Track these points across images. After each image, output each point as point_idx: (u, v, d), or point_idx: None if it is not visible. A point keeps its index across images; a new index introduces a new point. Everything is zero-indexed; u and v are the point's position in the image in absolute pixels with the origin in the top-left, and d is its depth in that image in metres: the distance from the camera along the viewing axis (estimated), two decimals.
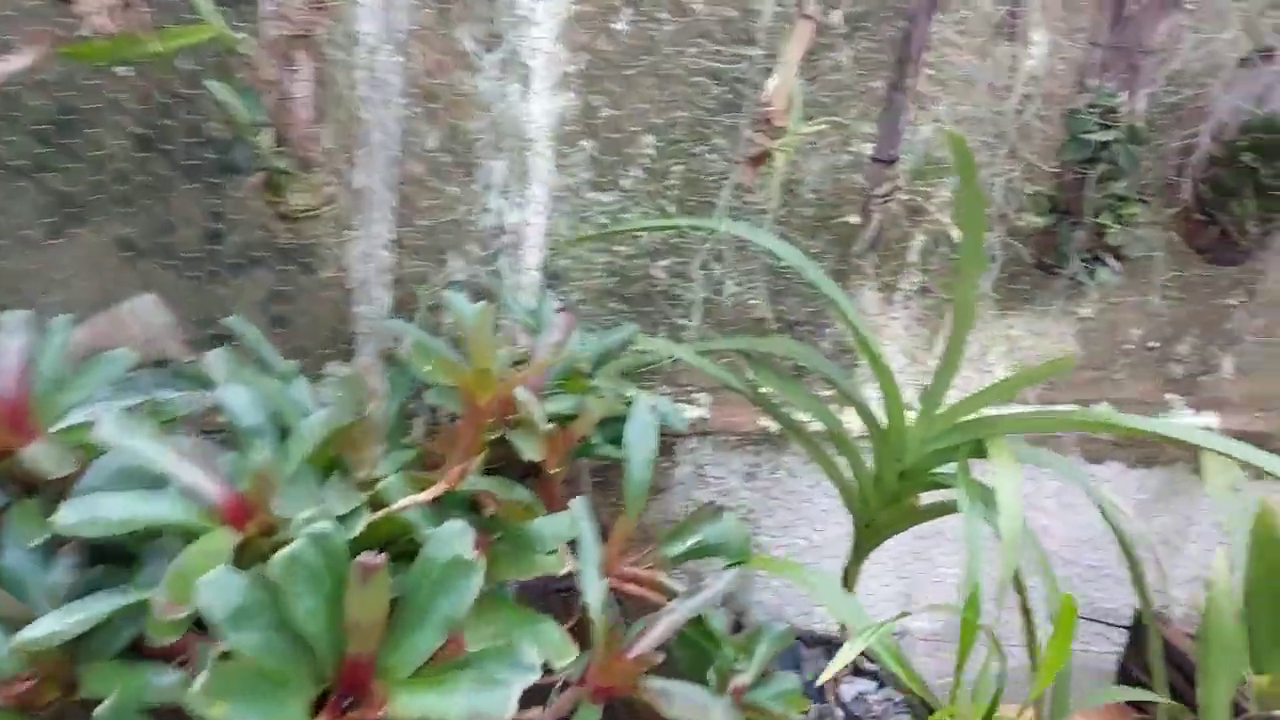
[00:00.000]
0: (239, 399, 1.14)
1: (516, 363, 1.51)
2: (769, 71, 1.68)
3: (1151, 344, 2.15)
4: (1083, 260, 1.67)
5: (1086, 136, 1.58)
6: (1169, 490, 2.30)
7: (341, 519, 1.02)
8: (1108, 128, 1.58)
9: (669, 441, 1.98)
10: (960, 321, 1.38)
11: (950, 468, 1.49)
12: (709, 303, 1.88)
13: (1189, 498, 2.31)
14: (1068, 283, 1.94)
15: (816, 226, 1.89)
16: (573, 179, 1.76)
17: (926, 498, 1.56)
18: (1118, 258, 1.68)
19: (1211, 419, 2.23)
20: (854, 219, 1.89)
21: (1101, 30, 1.57)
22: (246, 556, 1.06)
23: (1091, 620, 2.33)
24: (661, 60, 1.71)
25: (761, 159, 1.53)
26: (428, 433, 1.45)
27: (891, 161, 1.60)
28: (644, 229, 1.71)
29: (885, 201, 1.61)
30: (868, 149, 1.84)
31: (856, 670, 1.82)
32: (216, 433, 1.69)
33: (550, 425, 1.29)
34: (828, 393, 1.98)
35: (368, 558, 0.96)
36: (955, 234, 1.86)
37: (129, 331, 1.53)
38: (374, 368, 1.16)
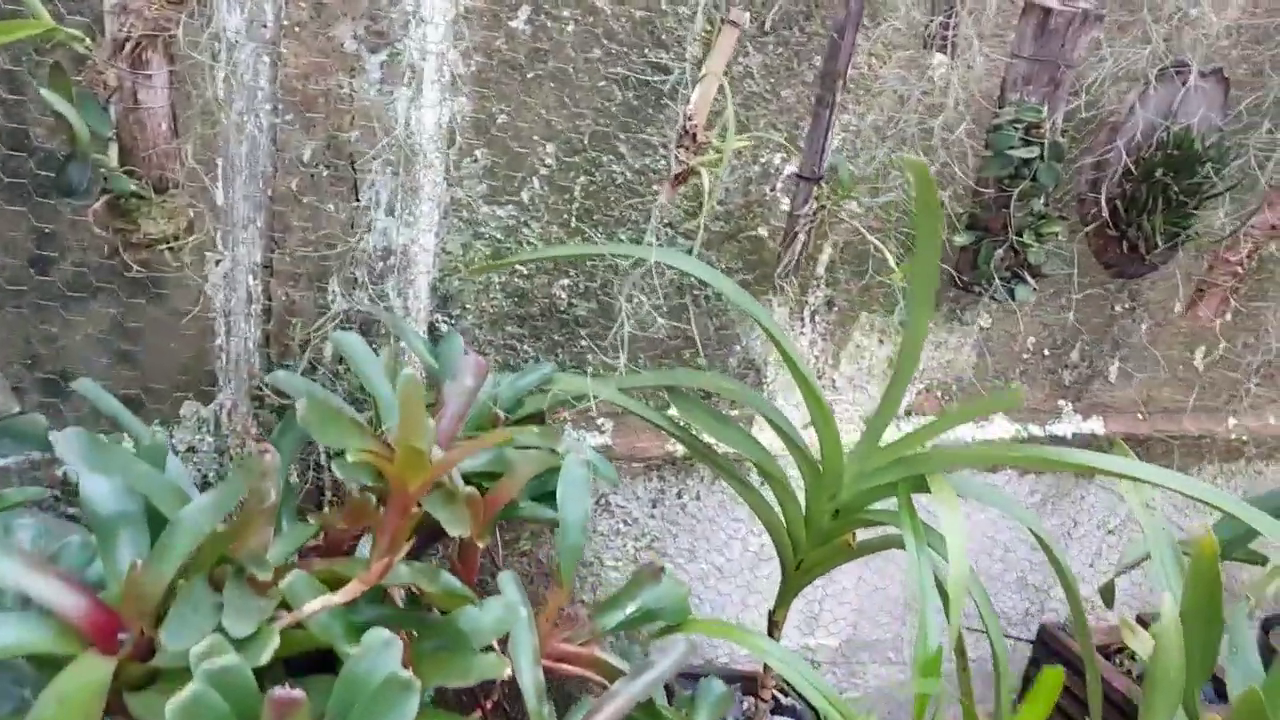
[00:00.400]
0: (100, 489, 0.93)
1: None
2: (678, 77, 1.55)
3: (1045, 352, 2.15)
4: (1001, 278, 1.62)
5: (1010, 153, 1.53)
6: (1056, 493, 2.32)
7: (243, 643, 0.84)
8: (1030, 143, 1.53)
9: None
10: (909, 352, 1.30)
11: (886, 503, 1.41)
12: (603, 320, 1.75)
13: (1072, 499, 2.34)
14: (970, 295, 1.90)
15: (725, 239, 1.78)
16: (466, 192, 1.58)
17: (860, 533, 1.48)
18: (1035, 275, 1.64)
19: (1098, 424, 2.25)
20: (763, 232, 1.79)
21: (1025, 42, 1.51)
22: (124, 684, 0.87)
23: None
24: (564, 63, 1.56)
25: (685, 177, 1.40)
26: (319, 496, 1.26)
27: (818, 179, 1.50)
28: (561, 256, 1.56)
29: (811, 221, 1.51)
30: (777, 160, 1.73)
31: (777, 707, 1.74)
32: (63, 494, 1.45)
33: (469, 489, 1.13)
34: (734, 412, 1.88)
35: (282, 694, 0.79)
36: (870, 248, 1.79)
37: None
38: (271, 455, 0.96)
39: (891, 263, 1.53)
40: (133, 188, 1.18)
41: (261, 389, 1.51)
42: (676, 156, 1.38)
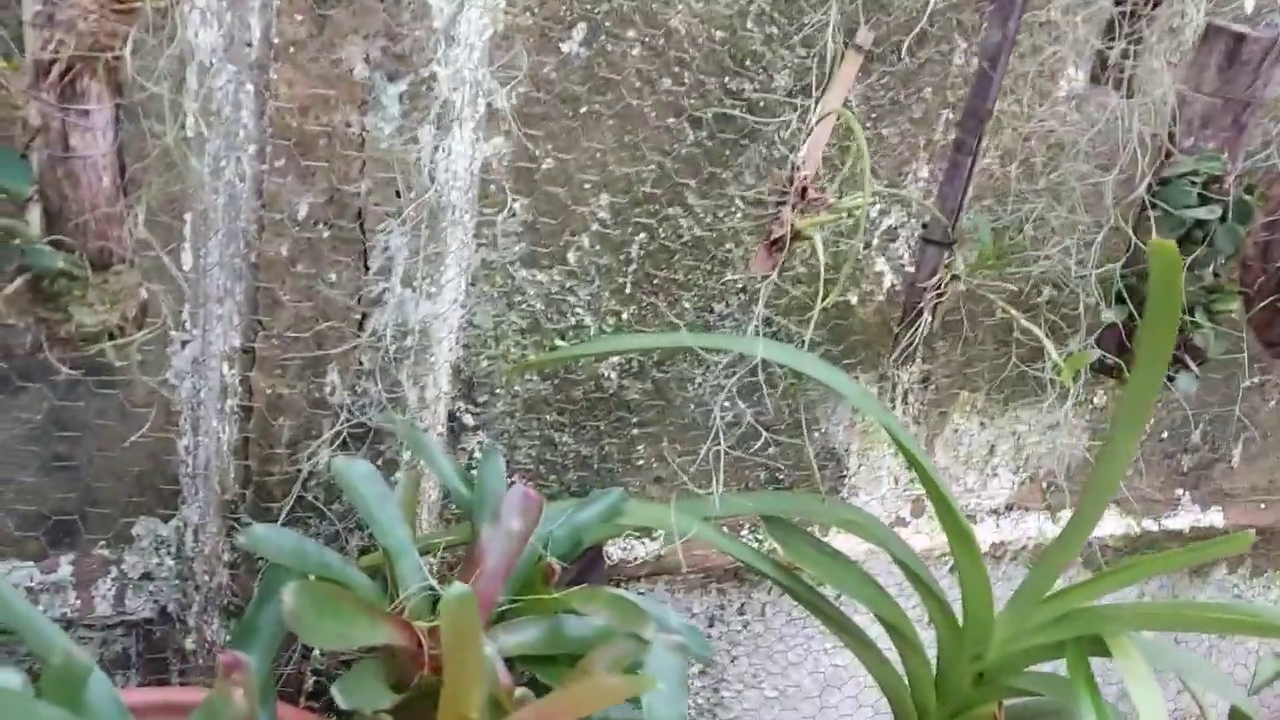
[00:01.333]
0: None
1: (448, 546, 1.01)
2: (767, 113, 1.24)
3: (1164, 434, 1.84)
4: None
5: (1185, 212, 1.22)
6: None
7: None
8: (1209, 201, 1.22)
9: (613, 583, 1.51)
10: (1104, 482, 0.99)
11: (1045, 667, 1.09)
12: (658, 404, 1.43)
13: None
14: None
15: (806, 305, 1.46)
16: (501, 254, 1.26)
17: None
18: (1199, 361, 1.33)
19: (1217, 516, 1.95)
20: (853, 298, 1.48)
21: (1206, 76, 1.20)
22: None
23: None
24: (627, 96, 1.24)
25: (785, 243, 1.08)
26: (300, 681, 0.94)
27: (950, 243, 1.18)
28: (635, 350, 1.24)
29: (939, 295, 1.19)
30: (874, 212, 1.42)
31: None
32: None
33: (521, 691, 0.80)
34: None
35: None
36: (971, 312, 1.47)
37: None
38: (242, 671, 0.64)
39: (1053, 355, 1.22)
40: (61, 264, 0.86)
41: (236, 506, 1.18)
42: (778, 217, 1.07)
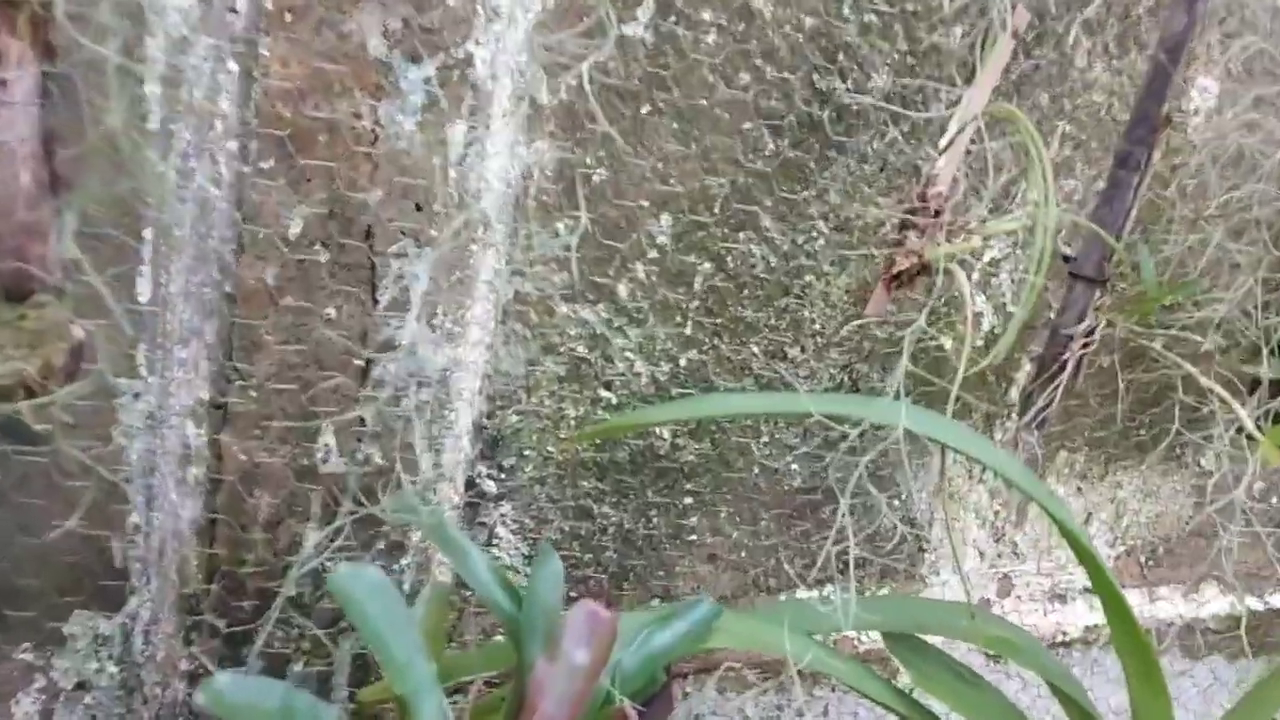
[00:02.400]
0: None
1: (488, 683, 0.76)
2: (858, 109, 1.01)
3: (1275, 499, 1.62)
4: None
5: None
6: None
7: None
8: None
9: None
10: None
11: None
12: (718, 469, 1.19)
13: None
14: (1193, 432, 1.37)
15: (891, 352, 1.23)
16: (537, 284, 1.02)
17: None
18: None
19: None
20: (947, 343, 1.25)
21: None
22: None
23: None
24: (697, 93, 1.00)
25: (912, 275, 0.85)
26: None
27: (1105, 280, 0.95)
28: (741, 414, 1.00)
29: (1086, 344, 0.96)
30: (975, 240, 1.19)
31: None
32: None
33: None
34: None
35: None
36: (1082, 364, 1.24)
37: None
38: None
39: (1247, 423, 0.98)
40: None
41: (198, 602, 0.92)
42: (904, 242, 0.83)
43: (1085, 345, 0.98)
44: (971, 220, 0.81)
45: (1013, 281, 1.23)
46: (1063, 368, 0.99)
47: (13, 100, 0.61)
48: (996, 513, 1.41)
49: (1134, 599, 1.55)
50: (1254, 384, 1.07)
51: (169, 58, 0.80)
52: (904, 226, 0.83)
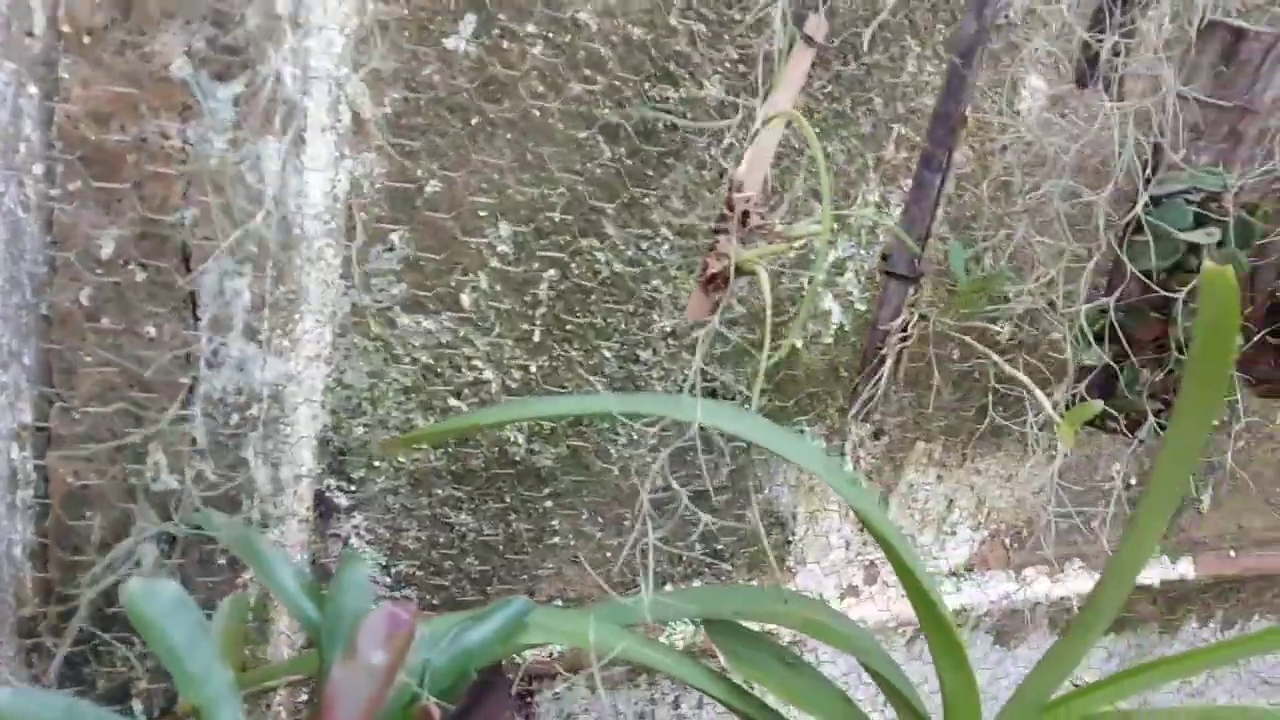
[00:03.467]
0: None
1: (292, 683, 0.77)
2: (692, 116, 1.04)
3: (1133, 480, 1.68)
4: (1154, 411, 1.13)
5: (1181, 236, 1.05)
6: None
7: None
8: (1207, 221, 1.05)
9: (522, 690, 1.28)
10: (1124, 571, 0.80)
11: None
12: (577, 473, 1.21)
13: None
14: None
15: (745, 352, 1.26)
16: (377, 296, 1.03)
17: None
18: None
19: (1187, 566, 1.79)
20: (797, 341, 1.28)
21: (1201, 79, 1.04)
22: None
23: None
24: (525, 102, 1.02)
25: (725, 279, 0.88)
26: None
27: (917, 277, 0.99)
28: (545, 417, 1.02)
29: (904, 339, 1.00)
30: (818, 242, 1.23)
31: None
32: None
33: None
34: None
35: None
36: (930, 358, 1.29)
37: None
38: None
39: (1048, 409, 1.03)
40: None
41: (36, 624, 0.92)
42: (715, 248, 0.86)
43: (903, 340, 1.02)
44: (777, 223, 0.85)
45: (858, 280, 1.27)
46: (882, 361, 1.03)
47: None
48: None
49: (1002, 580, 1.61)
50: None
51: None
52: (716, 230, 0.86)
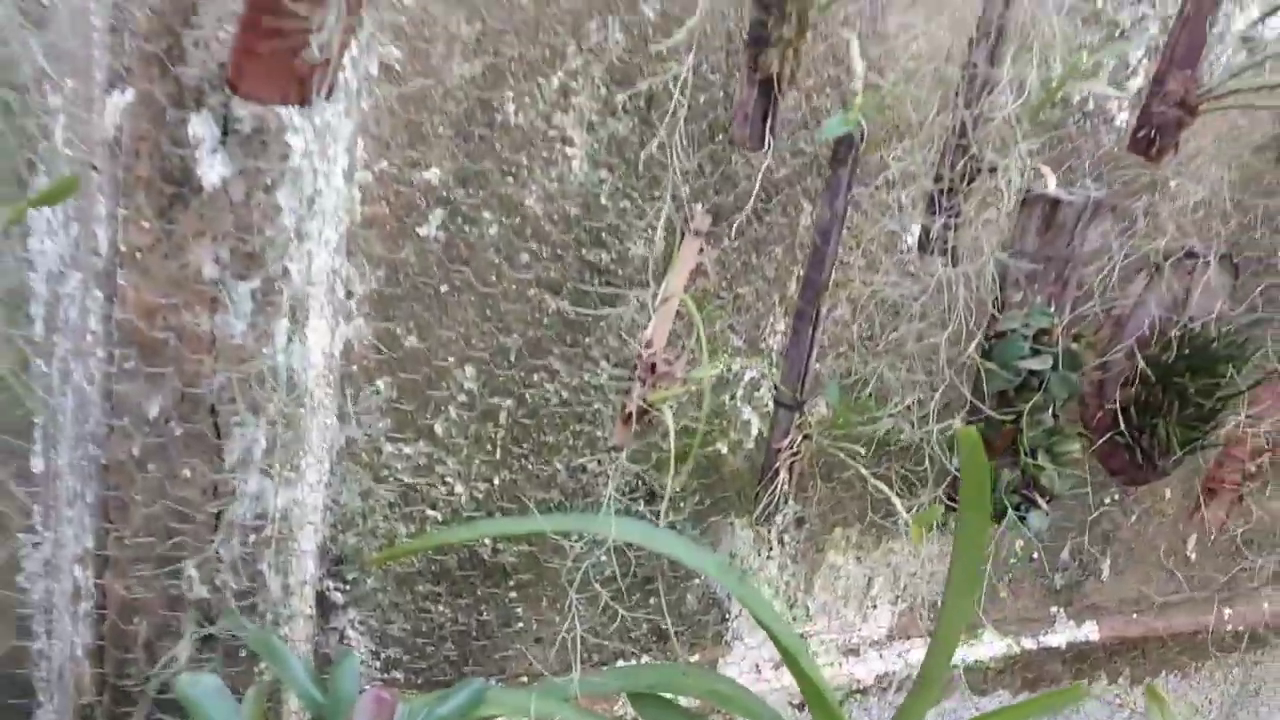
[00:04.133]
0: None
1: None
2: (624, 274, 1.29)
3: (1034, 555, 1.91)
4: (1012, 505, 1.37)
5: (1020, 364, 1.29)
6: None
7: None
8: (1041, 352, 1.30)
9: None
10: (943, 648, 1.02)
11: None
12: (534, 568, 1.43)
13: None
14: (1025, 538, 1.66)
15: (678, 458, 1.49)
16: (365, 430, 1.27)
17: None
18: (1049, 499, 1.39)
19: (1092, 629, 2.01)
20: (722, 447, 1.52)
21: (1028, 238, 1.30)
22: None
23: None
24: (485, 271, 1.27)
25: (639, 415, 1.12)
26: None
27: (799, 405, 1.23)
28: (500, 533, 1.26)
29: (793, 455, 1.24)
30: (736, 364, 1.47)
31: None
32: None
33: None
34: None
35: None
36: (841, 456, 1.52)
37: None
38: None
39: (902, 514, 1.26)
40: None
41: (93, 711, 1.14)
42: (632, 393, 1.10)
43: (792, 455, 1.26)
44: (678, 370, 1.08)
45: (772, 395, 1.51)
46: (776, 474, 1.26)
47: None
48: (787, 583, 1.67)
49: (920, 647, 1.82)
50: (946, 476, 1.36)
51: (49, 288, 1.04)
52: (630, 377, 1.10)
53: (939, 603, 1.81)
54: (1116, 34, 1.42)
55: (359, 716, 0.89)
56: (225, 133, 1.02)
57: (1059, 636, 1.96)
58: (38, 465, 1.11)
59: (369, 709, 0.90)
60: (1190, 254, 1.45)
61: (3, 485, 1.06)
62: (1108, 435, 1.50)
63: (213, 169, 1.02)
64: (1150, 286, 1.45)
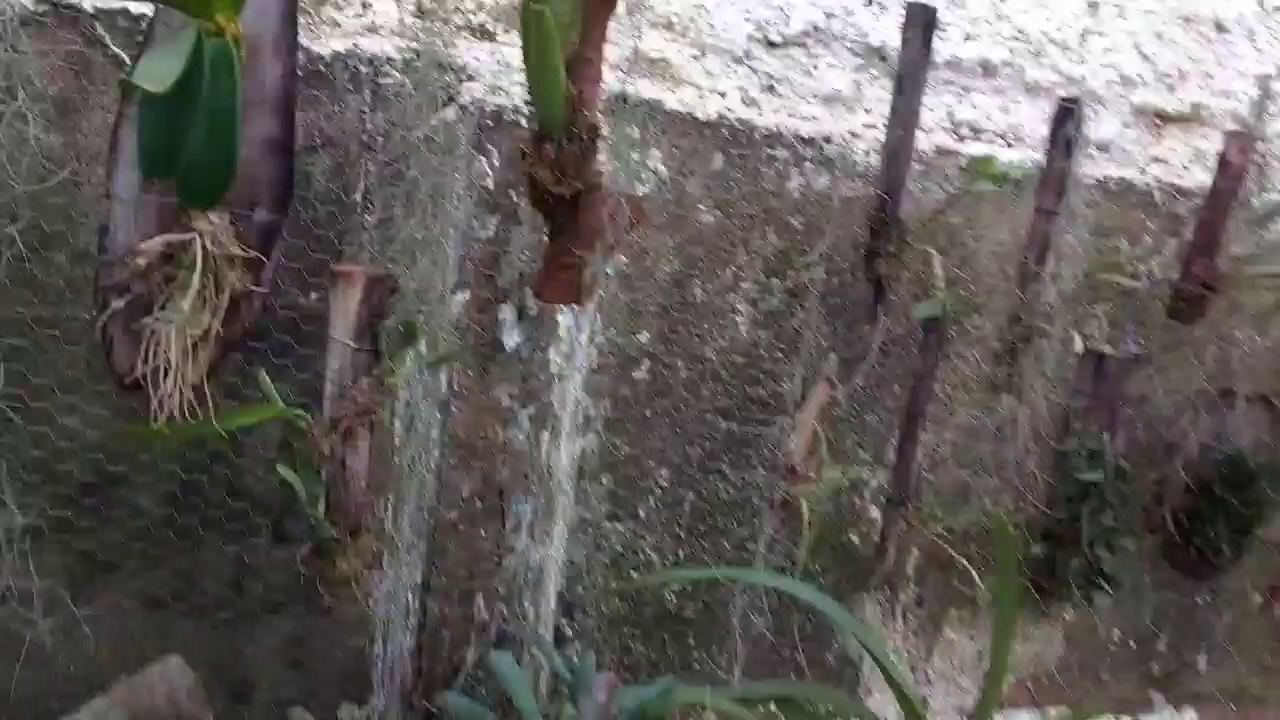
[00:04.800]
0: None
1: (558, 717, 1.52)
2: (776, 404, 1.80)
3: (1131, 643, 2.25)
4: (1079, 586, 1.77)
5: (1079, 476, 1.72)
6: None
7: None
8: (1095, 467, 1.72)
9: None
10: (992, 687, 1.44)
11: None
12: (706, 619, 1.92)
13: None
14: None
15: (819, 544, 1.97)
16: (591, 513, 1.81)
17: None
18: (1110, 582, 1.79)
19: (1191, 716, 2.30)
20: (854, 537, 1.98)
21: (1084, 382, 1.74)
22: None
23: None
24: (677, 402, 1.82)
25: (787, 505, 1.61)
26: None
27: (904, 502, 1.70)
28: (685, 579, 1.77)
29: (900, 539, 1.70)
30: (865, 473, 1.95)
31: None
32: None
33: None
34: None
35: None
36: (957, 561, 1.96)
37: (154, 697, 1.49)
38: None
39: (978, 581, 1.70)
40: (334, 534, 1.43)
41: (411, 694, 1.70)
42: (779, 488, 1.60)
43: (900, 540, 1.72)
44: (812, 474, 1.58)
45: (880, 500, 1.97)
46: (885, 553, 1.72)
47: (359, 453, 1.45)
48: (910, 650, 2.09)
49: (1025, 715, 2.18)
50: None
51: (406, 410, 1.65)
52: (782, 477, 1.60)
53: (1039, 676, 2.18)
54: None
55: (596, 688, 1.41)
56: (520, 316, 1.62)
57: (1160, 718, 2.27)
58: (389, 527, 1.70)
59: (603, 683, 1.41)
60: (1226, 393, 1.85)
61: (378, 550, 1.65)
62: (1172, 538, 1.88)
63: (511, 338, 1.62)
64: (1194, 421, 1.85)
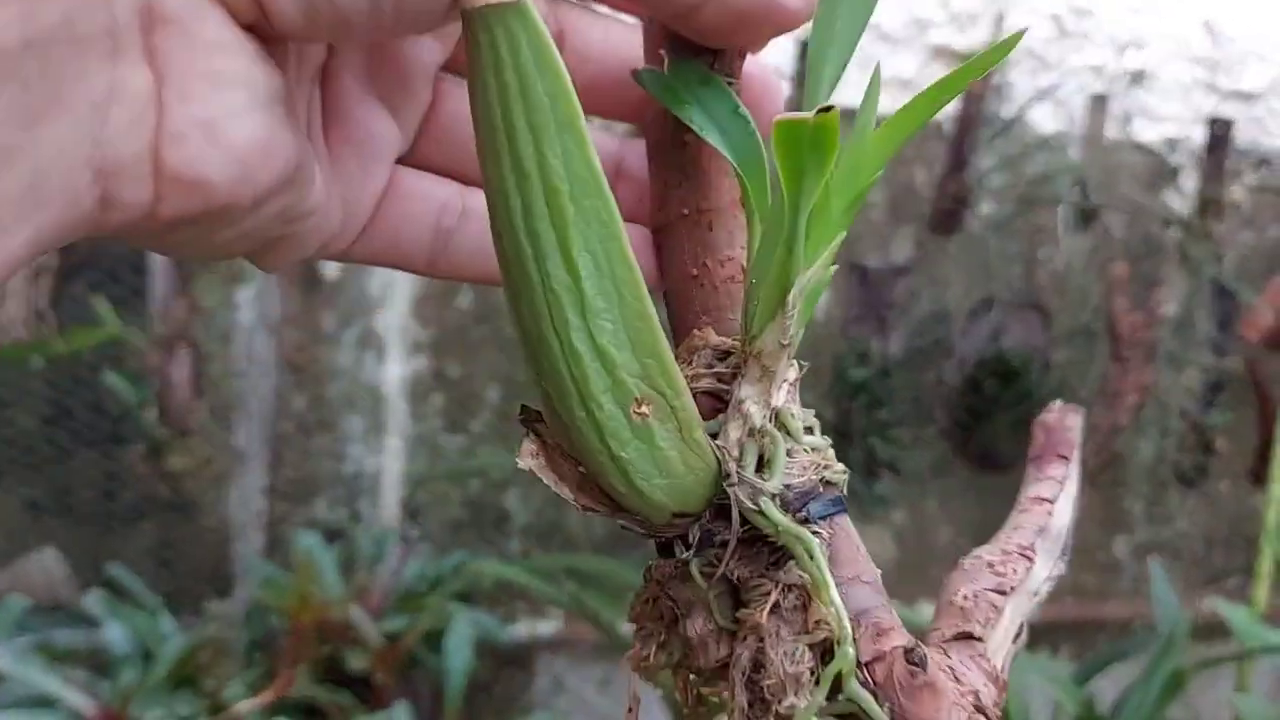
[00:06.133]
0: (114, 634, 1.38)
1: (363, 589, 1.76)
2: None
3: (959, 543, 2.45)
4: (860, 475, 1.98)
5: (849, 377, 1.93)
6: None
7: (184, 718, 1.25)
8: (863, 367, 1.93)
9: (526, 655, 2.20)
10: None
11: None
12: (544, 524, 2.16)
13: None
14: (877, 496, 2.25)
15: None
16: (426, 427, 2.05)
17: None
18: (892, 470, 1.99)
19: None
20: None
21: (853, 291, 1.95)
22: None
23: None
24: (501, 326, 2.06)
25: None
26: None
27: None
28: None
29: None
30: None
31: None
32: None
33: (382, 640, 1.53)
34: None
35: None
36: None
37: (31, 581, 1.76)
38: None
39: None
40: (163, 435, 1.69)
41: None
42: None
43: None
44: None
45: None
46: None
47: (181, 366, 1.70)
48: None
49: None
50: None
51: (246, 340, 1.90)
52: None
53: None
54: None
55: (391, 554, 1.64)
56: None
57: None
58: (238, 441, 1.96)
59: (397, 552, 1.65)
60: (987, 302, 2.05)
61: (216, 449, 1.90)
62: (955, 434, 2.09)
63: (329, 265, 1.87)
64: (965, 326, 2.06)
